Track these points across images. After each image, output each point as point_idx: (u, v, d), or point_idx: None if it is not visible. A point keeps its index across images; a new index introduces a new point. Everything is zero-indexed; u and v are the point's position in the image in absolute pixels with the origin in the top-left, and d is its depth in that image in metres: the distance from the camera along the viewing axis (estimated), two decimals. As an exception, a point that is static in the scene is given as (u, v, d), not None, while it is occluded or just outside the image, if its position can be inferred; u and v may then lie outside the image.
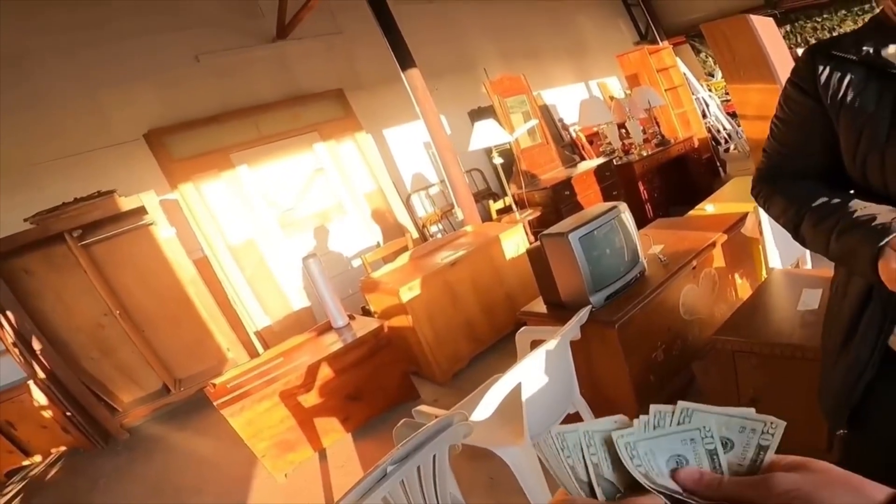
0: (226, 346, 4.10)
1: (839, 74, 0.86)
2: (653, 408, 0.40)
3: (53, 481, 3.47)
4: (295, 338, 3.18)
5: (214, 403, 2.58)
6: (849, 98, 0.85)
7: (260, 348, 4.32)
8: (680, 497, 0.38)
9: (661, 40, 7.96)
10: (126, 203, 3.70)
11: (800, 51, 7.00)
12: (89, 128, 4.09)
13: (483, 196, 5.82)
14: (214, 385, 2.80)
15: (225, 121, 4.59)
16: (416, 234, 5.20)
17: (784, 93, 0.97)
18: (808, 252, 2.46)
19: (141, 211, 3.79)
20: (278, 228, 4.75)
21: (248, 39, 4.89)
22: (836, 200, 0.86)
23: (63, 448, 3.69)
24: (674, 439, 0.39)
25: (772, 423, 0.37)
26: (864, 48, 0.83)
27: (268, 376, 2.74)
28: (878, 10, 0.88)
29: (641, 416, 0.40)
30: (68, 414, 3.51)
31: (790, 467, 0.37)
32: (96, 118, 4.12)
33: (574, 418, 1.97)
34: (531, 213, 4.46)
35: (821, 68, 0.88)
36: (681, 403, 0.39)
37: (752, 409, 0.38)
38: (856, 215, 0.80)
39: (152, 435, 3.77)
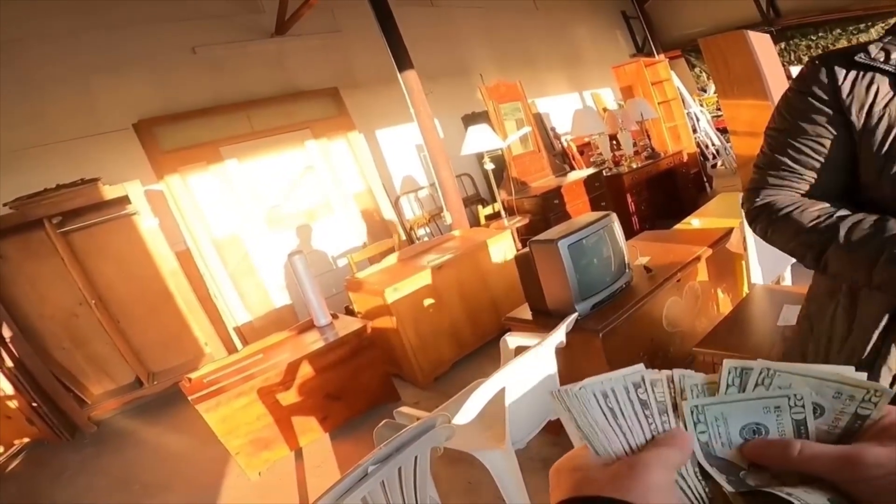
0: (204, 341, 4.03)
1: (866, 83, 0.82)
2: (727, 363, 0.36)
3: (14, 473, 3.37)
4: (275, 335, 3.13)
5: (189, 398, 2.52)
6: (878, 108, 0.80)
7: (239, 344, 4.25)
8: (736, 478, 0.34)
9: (658, 53, 8.07)
10: (110, 192, 3.63)
11: (794, 68, 7.18)
12: (77, 115, 4.01)
13: (472, 201, 5.82)
14: (190, 379, 2.74)
15: (217, 114, 4.54)
16: (403, 237, 5.18)
17: (791, 104, 0.90)
18: (788, 269, 2.50)
19: (124, 200, 3.72)
20: (264, 224, 4.69)
21: (247, 34, 4.85)
22: (872, 220, 0.78)
23: (27, 439, 3.58)
24: (754, 406, 0.34)
25: (876, 391, 0.31)
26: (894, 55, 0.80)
27: (246, 372, 2.69)
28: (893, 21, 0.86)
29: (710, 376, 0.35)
30: (34, 404, 3.40)
31: (885, 432, 0.31)
32: (85, 105, 4.05)
33: (555, 426, 1.96)
34: (520, 221, 4.47)
35: (842, 77, 0.83)
36: (760, 361, 0.34)
37: (852, 369, 0.32)
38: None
39: (122, 429, 3.68)
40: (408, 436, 1.27)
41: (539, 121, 6.49)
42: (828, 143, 0.86)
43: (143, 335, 3.91)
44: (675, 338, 2.37)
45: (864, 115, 0.82)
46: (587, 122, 5.49)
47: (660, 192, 5.64)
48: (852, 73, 0.83)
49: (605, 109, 7.27)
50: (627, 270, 2.24)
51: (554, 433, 2.07)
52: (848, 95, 0.83)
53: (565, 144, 6.69)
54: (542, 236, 2.09)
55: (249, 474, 2.66)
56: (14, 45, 3.74)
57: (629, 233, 3.86)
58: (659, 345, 2.30)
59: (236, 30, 4.79)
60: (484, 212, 5.08)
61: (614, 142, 6.05)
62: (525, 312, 2.30)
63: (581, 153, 6.57)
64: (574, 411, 0.34)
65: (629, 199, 5.22)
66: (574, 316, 1.90)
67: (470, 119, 5.95)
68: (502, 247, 3.65)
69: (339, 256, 5.01)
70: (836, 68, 0.84)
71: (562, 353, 1.86)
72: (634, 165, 5.40)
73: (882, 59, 0.81)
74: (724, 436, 0.35)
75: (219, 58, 4.66)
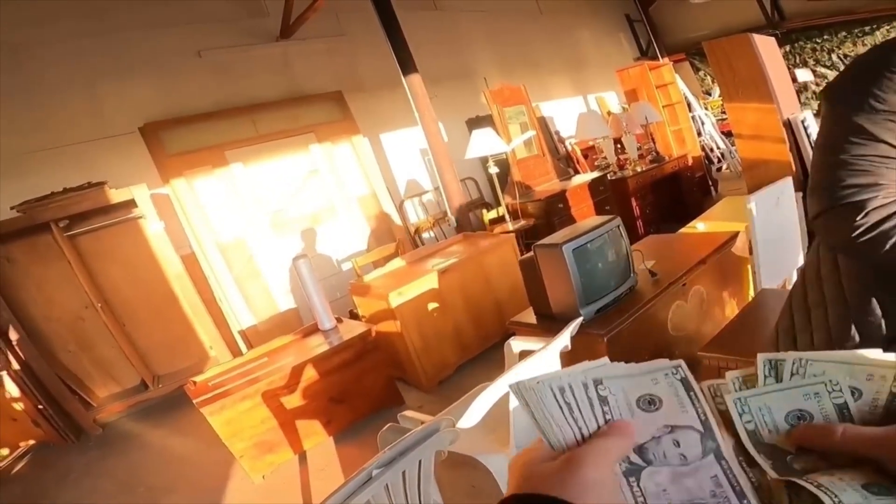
0: (208, 344, 4.04)
1: None
2: (760, 357, 0.36)
3: (20, 475, 3.38)
4: (280, 338, 3.14)
5: (194, 401, 2.53)
6: None
7: (244, 348, 4.26)
8: (782, 462, 0.34)
9: (662, 56, 8.07)
10: (116, 195, 3.66)
11: (799, 71, 7.13)
12: (84, 119, 4.04)
13: (476, 205, 5.82)
14: (195, 383, 2.74)
15: (222, 118, 4.57)
16: (407, 240, 5.18)
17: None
18: (795, 272, 2.48)
19: (131, 204, 3.75)
20: (269, 228, 4.71)
21: (252, 38, 4.88)
22: None
23: (32, 442, 3.59)
24: (794, 394, 0.35)
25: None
26: None
27: (251, 376, 2.69)
28: None
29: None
30: (40, 407, 3.42)
31: None
32: (92, 110, 4.08)
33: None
34: (524, 224, 4.47)
35: None
36: (792, 353, 0.35)
37: (879, 351, 0.33)
38: None
39: (126, 431, 3.69)
40: (412, 440, 1.26)
41: (543, 124, 6.49)
42: None
43: (148, 338, 3.92)
44: (680, 342, 2.36)
45: None
46: (591, 125, 5.48)
47: (665, 196, 5.62)
48: None
49: (609, 113, 7.27)
50: (632, 275, 2.23)
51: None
52: None
53: (569, 148, 6.69)
54: (546, 240, 2.08)
55: (253, 477, 2.66)
56: (21, 50, 3.78)
57: (634, 237, 3.87)
58: (663, 349, 2.29)
59: (241, 34, 4.82)
60: (488, 216, 5.08)
61: (619, 145, 6.04)
62: (529, 317, 2.30)
63: (585, 157, 6.57)
64: (531, 405, 0.35)
65: (634, 203, 5.21)
66: (579, 320, 1.89)
67: (474, 123, 5.96)
68: (507, 251, 3.65)
69: (344, 260, 5.01)
70: None
71: (566, 357, 1.85)
72: (639, 169, 5.39)
73: None
74: (771, 423, 0.35)
75: (224, 61, 4.69)
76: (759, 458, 0.35)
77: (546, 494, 0.31)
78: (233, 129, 4.61)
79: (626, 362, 0.37)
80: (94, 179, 3.68)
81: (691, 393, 0.35)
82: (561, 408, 0.35)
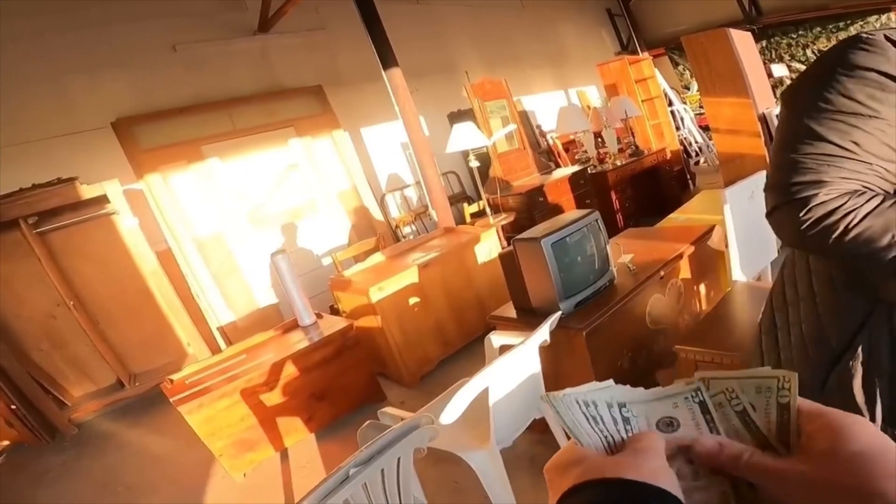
0: (186, 342, 3.98)
1: None
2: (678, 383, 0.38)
3: (-6, 477, 3.30)
4: (259, 335, 3.10)
5: (171, 400, 2.49)
6: None
7: (222, 344, 4.21)
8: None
9: (642, 51, 8.12)
10: (87, 191, 3.56)
11: (775, 66, 7.24)
12: (54, 114, 3.92)
13: (458, 199, 5.82)
14: (172, 381, 2.70)
15: (198, 112, 4.48)
16: (389, 235, 5.15)
17: (849, 84, 0.77)
18: (769, 266, 2.53)
19: (103, 200, 3.65)
20: (248, 223, 4.64)
21: (229, 31, 4.79)
22: None
23: (6, 442, 3.49)
24: (665, 402, 0.37)
25: (784, 377, 0.34)
26: None
27: (229, 373, 2.66)
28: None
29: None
30: (13, 407, 3.33)
31: (824, 432, 0.33)
32: (62, 105, 3.96)
33: (541, 424, 1.96)
34: (505, 218, 4.46)
35: None
36: (698, 373, 0.36)
37: (767, 368, 0.35)
38: None
39: (103, 431, 3.61)
40: (390, 437, 1.26)
41: (524, 118, 6.50)
42: None
43: (123, 336, 3.84)
44: (658, 335, 2.39)
45: None
46: (572, 119, 5.50)
47: (644, 190, 5.68)
48: None
49: (589, 107, 7.30)
50: (611, 268, 2.25)
51: (539, 431, 2.08)
52: None
53: (551, 142, 6.71)
54: (525, 234, 2.09)
55: (234, 476, 2.63)
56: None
57: (614, 230, 3.90)
58: (642, 343, 2.31)
59: (218, 27, 4.72)
60: (469, 209, 5.07)
61: (599, 139, 6.08)
62: (510, 311, 2.31)
63: (566, 150, 6.59)
64: (561, 413, 0.36)
65: (613, 197, 5.25)
66: (557, 314, 1.90)
67: (456, 117, 5.95)
68: (488, 245, 3.65)
69: (324, 255, 4.97)
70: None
71: (546, 351, 1.86)
72: (619, 163, 5.43)
73: None
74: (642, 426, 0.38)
75: (200, 56, 4.59)
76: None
77: (623, 478, 0.32)
78: (209, 123, 4.52)
79: (645, 388, 0.38)
80: (65, 175, 3.58)
81: (707, 416, 0.37)
82: (588, 419, 0.36)
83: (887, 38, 0.76)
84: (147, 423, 3.56)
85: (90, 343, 3.70)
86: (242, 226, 4.60)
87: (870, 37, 0.77)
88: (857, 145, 0.75)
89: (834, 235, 0.74)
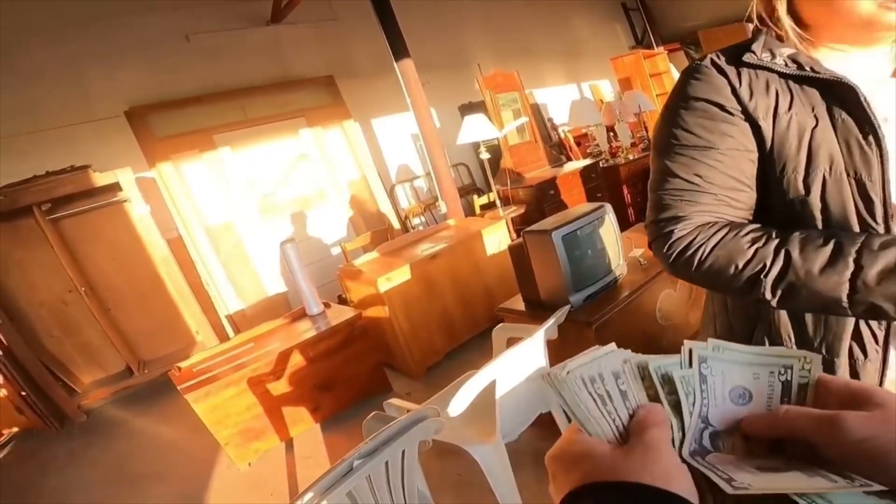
0: (195, 329, 4.01)
1: (762, 85, 0.75)
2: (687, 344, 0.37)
3: (3, 464, 3.34)
4: (267, 323, 3.11)
5: (178, 388, 2.50)
6: (783, 111, 0.74)
7: (231, 332, 4.23)
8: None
9: (657, 46, 8.00)
10: (100, 179, 3.59)
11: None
12: (69, 103, 3.96)
13: (468, 191, 5.79)
14: (180, 369, 2.71)
15: (211, 102, 4.49)
16: (398, 226, 5.14)
17: (686, 116, 0.79)
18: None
19: (115, 187, 3.68)
20: (257, 212, 4.65)
21: (242, 21, 4.78)
22: (820, 233, 0.70)
23: (15, 429, 3.55)
24: (746, 369, 0.36)
25: (805, 357, 0.34)
26: (793, 59, 0.73)
27: (236, 361, 2.67)
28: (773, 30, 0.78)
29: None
30: (23, 394, 3.37)
31: (853, 399, 0.33)
32: (77, 93, 4.00)
33: (547, 419, 1.94)
34: (515, 211, 4.43)
35: (736, 79, 0.76)
36: (711, 341, 0.36)
37: (783, 348, 0.35)
38: (879, 241, 0.65)
39: (111, 418, 3.66)
40: (395, 429, 1.24)
41: (536, 111, 6.44)
42: (738, 154, 0.77)
43: (133, 323, 3.88)
44: (667, 331, 2.36)
45: (771, 119, 0.74)
46: (584, 113, 5.45)
47: None
48: (745, 74, 0.76)
49: (602, 101, 7.22)
50: (621, 262, 2.22)
51: (545, 427, 2.05)
52: (751, 99, 0.75)
53: (562, 135, 6.65)
54: (535, 227, 2.06)
55: (239, 465, 2.64)
56: (7, 35, 3.67)
57: (624, 224, 3.86)
58: (651, 337, 2.28)
59: (231, 17, 4.72)
60: (479, 201, 5.04)
61: (611, 133, 6.01)
62: (518, 303, 2.29)
63: (578, 144, 6.53)
64: (565, 394, 0.34)
65: (625, 191, 5.19)
66: (567, 308, 1.88)
67: (467, 109, 5.90)
68: (497, 237, 3.62)
69: (333, 245, 4.97)
70: (728, 69, 0.77)
71: (553, 345, 1.84)
72: (631, 157, 5.36)
73: (769, 59, 0.74)
74: (720, 398, 0.36)
75: (213, 45, 4.59)
76: (709, 472, 0.33)
77: (637, 482, 0.30)
78: (221, 113, 4.53)
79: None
80: (79, 163, 3.61)
81: (785, 399, 0.36)
82: (595, 399, 0.35)
83: (713, 63, 0.78)
84: (155, 411, 3.59)
85: (101, 330, 3.74)
86: (252, 215, 4.60)
87: (700, 64, 0.80)
88: (701, 178, 0.78)
89: (693, 268, 0.78)
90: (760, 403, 0.36)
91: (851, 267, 0.65)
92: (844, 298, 0.66)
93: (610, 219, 2.15)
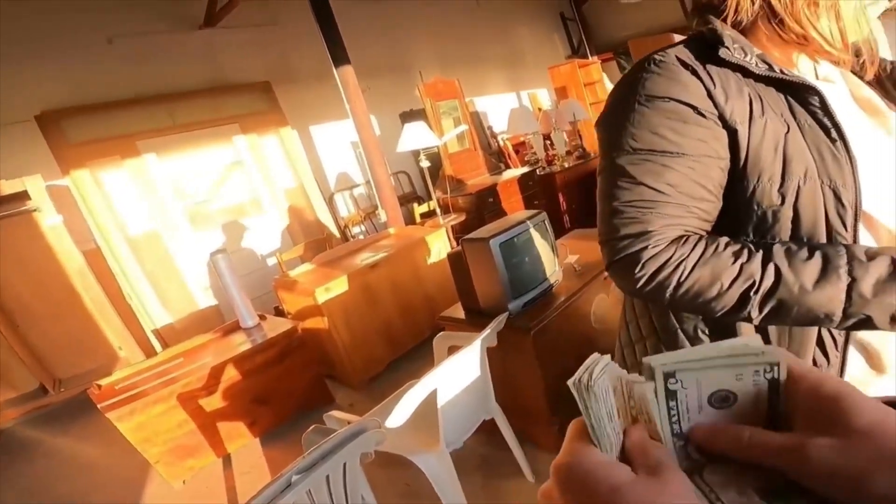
0: (117, 345, 3.76)
1: (734, 86, 0.69)
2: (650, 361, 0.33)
3: None
4: (198, 337, 2.98)
5: (98, 406, 2.35)
6: (757, 115, 0.69)
7: (159, 347, 4.00)
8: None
9: (592, 55, 8.32)
10: (6, 187, 3.33)
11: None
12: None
13: (409, 199, 5.78)
14: (100, 386, 2.54)
15: (134, 106, 4.24)
16: (337, 235, 5.06)
17: (652, 117, 0.71)
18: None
19: (23, 196, 3.41)
20: (187, 222, 4.43)
21: (172, 24, 4.56)
22: (800, 245, 0.66)
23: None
24: (726, 371, 0.32)
25: (762, 352, 0.31)
26: (759, 59, 0.69)
27: (165, 377, 2.54)
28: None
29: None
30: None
31: (819, 413, 0.30)
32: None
33: (490, 426, 1.97)
34: (455, 218, 4.48)
35: (706, 76, 0.70)
36: (675, 353, 0.33)
37: (759, 344, 0.32)
38: (863, 252, 0.63)
39: (26, 438, 3.37)
40: (334, 443, 1.22)
41: (476, 119, 6.54)
42: (710, 161, 0.70)
43: (47, 339, 3.59)
44: (603, 334, 2.45)
45: (747, 124, 0.68)
46: (522, 121, 5.59)
47: (590, 192, 5.71)
48: (716, 74, 0.70)
49: (540, 109, 7.44)
50: (557, 268, 2.29)
51: (489, 433, 2.08)
52: (727, 101, 0.69)
53: (502, 143, 6.79)
54: (473, 234, 2.09)
55: (173, 483, 2.51)
56: None
57: (561, 231, 3.98)
58: (587, 342, 2.36)
59: (160, 20, 4.48)
60: (420, 210, 5.05)
61: (548, 141, 6.19)
62: (458, 311, 2.30)
63: (517, 152, 6.68)
64: (592, 408, 0.31)
65: (561, 198, 5.36)
66: (504, 315, 1.92)
67: (408, 116, 5.91)
68: (437, 245, 3.64)
69: (269, 255, 4.82)
70: (697, 67, 0.70)
71: (494, 351, 1.87)
72: (566, 165, 5.54)
73: (743, 57, 0.68)
74: (695, 408, 0.33)
75: (140, 49, 4.34)
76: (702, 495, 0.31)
77: None
78: (147, 118, 4.28)
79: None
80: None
81: (774, 397, 0.32)
82: (608, 412, 0.32)
83: (679, 61, 0.71)
84: (77, 430, 3.35)
85: (8, 347, 3.43)
86: (181, 224, 4.39)
87: (661, 59, 0.72)
88: (672, 187, 0.70)
89: (669, 291, 0.69)
90: (746, 403, 0.32)
91: (846, 280, 0.62)
92: (839, 312, 0.63)
93: (546, 226, 2.22)
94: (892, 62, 0.79)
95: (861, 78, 0.78)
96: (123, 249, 3.99)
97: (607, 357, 0.33)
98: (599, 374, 0.31)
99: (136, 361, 3.37)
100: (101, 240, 3.91)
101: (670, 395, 0.32)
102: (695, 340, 0.80)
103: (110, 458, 2.91)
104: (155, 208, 4.26)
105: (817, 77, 0.76)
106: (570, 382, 0.31)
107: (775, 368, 0.31)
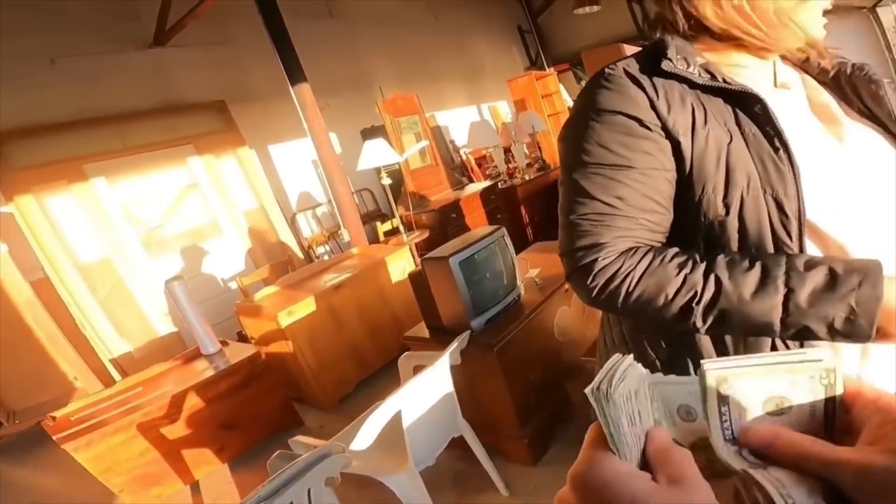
0: (73, 376, 3.63)
1: (677, 97, 0.71)
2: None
3: None
4: (158, 365, 2.90)
5: (54, 438, 2.27)
6: (700, 126, 0.70)
7: (117, 377, 3.85)
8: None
9: (548, 67, 8.49)
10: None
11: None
12: None
13: (373, 217, 5.77)
14: (54, 418, 2.45)
15: (81, 128, 4.09)
16: (301, 255, 5.00)
17: (601, 131, 0.73)
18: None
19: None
20: (141, 247, 4.31)
21: (120, 44, 4.44)
22: (743, 256, 0.68)
23: None
24: (778, 375, 0.31)
25: (819, 359, 0.29)
26: (703, 69, 0.71)
27: (123, 407, 2.49)
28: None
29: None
30: None
31: (881, 420, 0.28)
32: None
33: (459, 442, 1.98)
34: (419, 236, 4.49)
35: (651, 89, 0.71)
36: (730, 358, 0.31)
37: (813, 350, 0.31)
38: (803, 262, 0.64)
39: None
40: (297, 469, 1.22)
41: (438, 134, 6.60)
42: (656, 174, 0.72)
43: (-3, 373, 3.43)
44: (567, 347, 2.49)
45: (690, 135, 0.70)
46: (483, 134, 5.65)
47: (552, 203, 5.76)
48: (660, 85, 0.71)
49: (502, 123, 7.55)
50: (518, 283, 2.33)
51: (461, 448, 2.09)
52: (669, 113, 0.70)
53: (464, 157, 6.86)
54: (433, 254, 2.11)
55: (137, 512, 2.42)
56: None
57: (524, 243, 4.04)
58: (552, 354, 2.40)
59: (106, 40, 4.37)
60: (383, 228, 5.04)
61: (509, 154, 6.28)
62: (423, 331, 2.32)
63: (479, 166, 6.76)
64: (611, 416, 0.30)
65: (523, 211, 5.44)
66: (467, 333, 1.94)
67: (369, 133, 5.91)
68: (401, 263, 3.64)
69: (231, 279, 4.72)
70: (642, 79, 0.72)
71: (460, 368, 1.89)
72: (527, 177, 5.62)
73: (685, 68, 0.70)
74: (747, 412, 0.32)
75: (85, 69, 4.21)
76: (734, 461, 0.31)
77: None
78: (94, 140, 4.14)
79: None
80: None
81: (830, 407, 0.31)
82: (629, 420, 0.30)
83: (627, 74, 0.73)
84: (34, 462, 3.22)
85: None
86: (135, 250, 4.26)
87: (610, 73, 0.74)
88: (622, 200, 0.72)
89: (619, 300, 0.71)
90: (802, 412, 0.31)
91: (782, 290, 0.63)
92: (777, 322, 0.64)
93: (506, 241, 2.26)
94: (853, 64, 0.79)
95: (825, 79, 0.80)
96: (74, 278, 3.83)
97: (629, 358, 0.32)
98: (620, 380, 0.30)
99: (94, 392, 3.25)
100: (50, 269, 3.75)
101: (722, 399, 0.31)
102: (657, 349, 0.81)
103: (72, 488, 2.81)
104: (106, 235, 4.12)
105: (776, 84, 0.77)
106: (587, 391, 0.30)
107: (831, 375, 0.30)
